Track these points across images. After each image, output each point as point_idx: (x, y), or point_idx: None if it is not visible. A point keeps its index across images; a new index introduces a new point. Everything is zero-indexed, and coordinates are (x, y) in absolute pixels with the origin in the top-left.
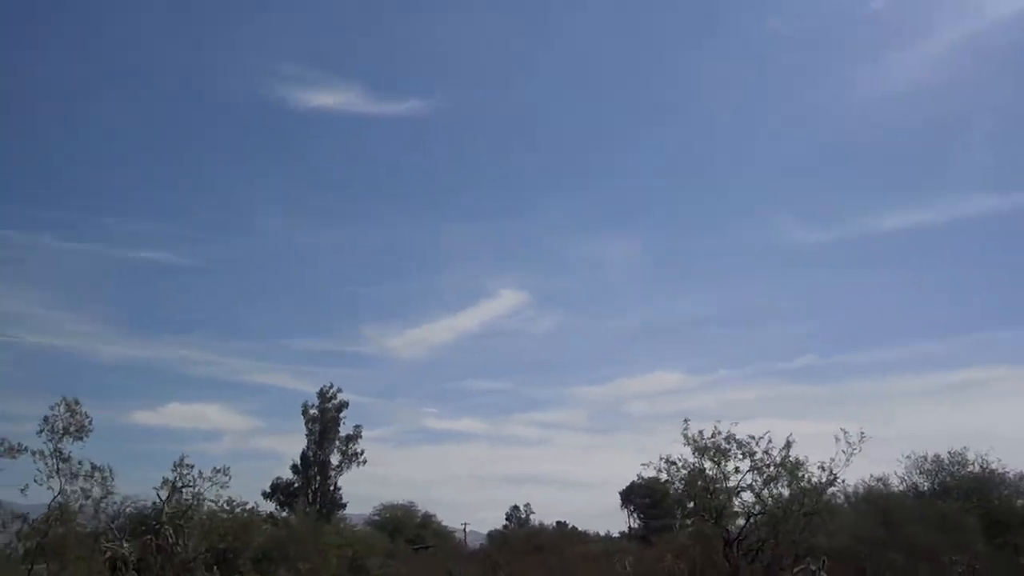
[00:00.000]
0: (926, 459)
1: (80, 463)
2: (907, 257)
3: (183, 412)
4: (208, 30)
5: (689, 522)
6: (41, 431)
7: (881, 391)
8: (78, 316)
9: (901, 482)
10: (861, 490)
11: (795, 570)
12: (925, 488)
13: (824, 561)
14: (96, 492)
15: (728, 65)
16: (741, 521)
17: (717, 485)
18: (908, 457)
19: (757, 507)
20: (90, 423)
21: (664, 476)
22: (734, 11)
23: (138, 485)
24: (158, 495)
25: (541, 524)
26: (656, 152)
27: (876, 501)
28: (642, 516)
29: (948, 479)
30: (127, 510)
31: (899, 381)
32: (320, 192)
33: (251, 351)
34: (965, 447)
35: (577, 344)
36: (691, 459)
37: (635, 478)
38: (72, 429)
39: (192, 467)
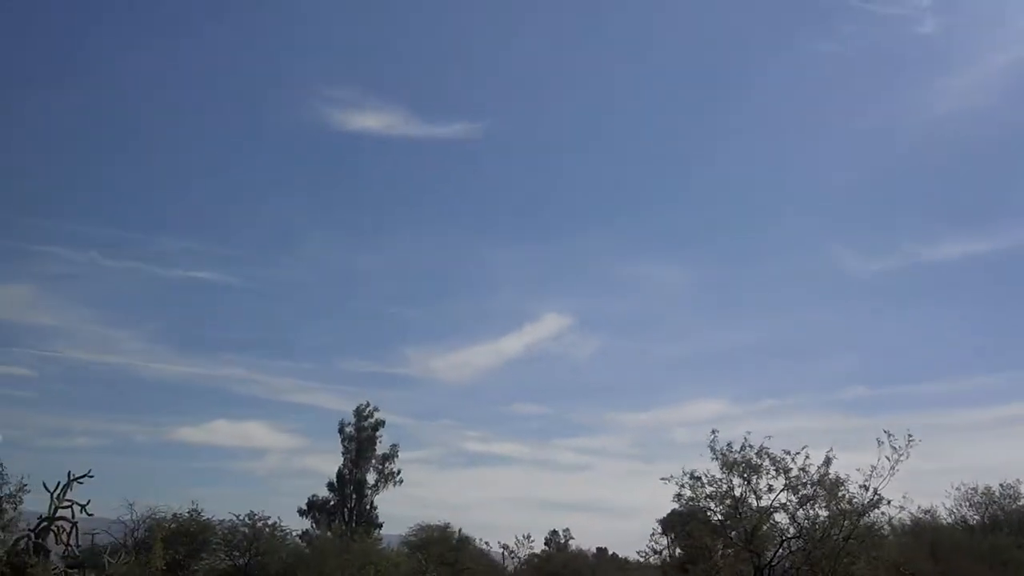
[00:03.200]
0: (976, 491)
1: None
2: (962, 286)
3: (228, 430)
4: (255, 53)
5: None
6: None
7: (933, 423)
8: (125, 333)
9: (949, 514)
10: (908, 521)
11: None
12: (974, 521)
13: None
14: None
15: (780, 89)
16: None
17: (747, 504)
18: (957, 489)
19: (791, 529)
20: None
21: (688, 493)
22: (785, 34)
23: (176, 500)
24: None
25: (580, 549)
26: (707, 178)
27: (923, 533)
28: (684, 544)
29: (999, 512)
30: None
31: (952, 414)
32: (365, 214)
33: (297, 371)
34: (1018, 480)
35: (621, 370)
36: (718, 475)
37: (675, 505)
38: None
39: None
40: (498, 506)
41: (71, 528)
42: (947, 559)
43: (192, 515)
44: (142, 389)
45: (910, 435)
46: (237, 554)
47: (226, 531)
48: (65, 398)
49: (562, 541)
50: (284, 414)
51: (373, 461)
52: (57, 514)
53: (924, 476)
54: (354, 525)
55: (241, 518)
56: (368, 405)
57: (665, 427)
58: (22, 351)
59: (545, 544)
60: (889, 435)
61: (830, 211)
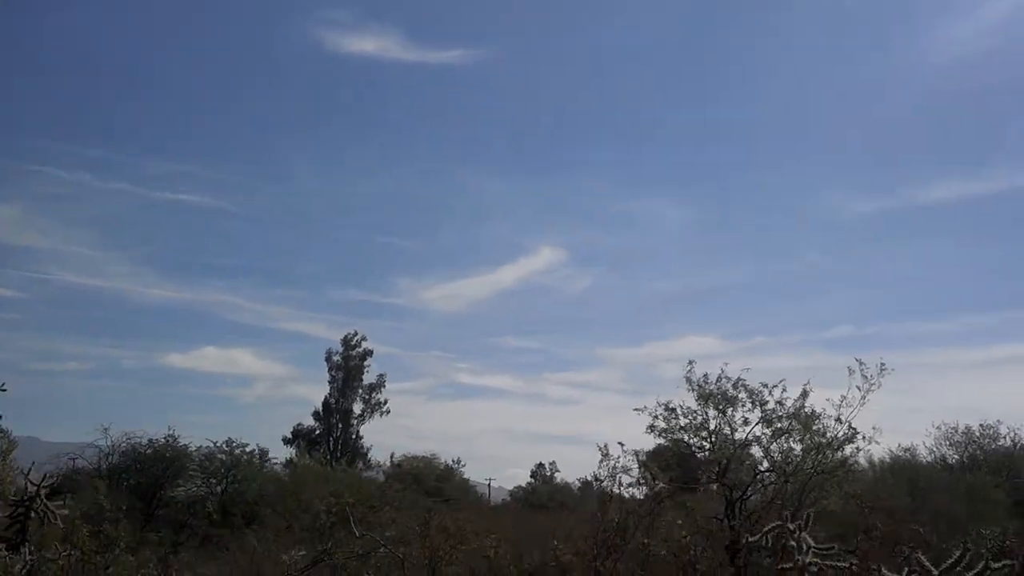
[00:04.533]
0: (956, 431)
1: None
2: (957, 228)
3: (217, 356)
4: None
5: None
6: None
7: (919, 363)
8: (115, 256)
9: (929, 453)
10: (887, 459)
11: (768, 527)
12: (953, 461)
13: (809, 516)
14: None
15: (783, 33)
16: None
17: (722, 436)
18: (938, 428)
19: (765, 463)
20: None
21: (661, 424)
22: None
23: (161, 426)
24: None
25: (565, 482)
26: (707, 117)
27: (902, 471)
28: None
29: (978, 452)
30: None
31: (939, 353)
32: (358, 140)
33: (287, 299)
34: (999, 420)
35: (614, 305)
36: (694, 406)
37: (661, 440)
38: None
39: None
40: (487, 438)
41: None
42: (924, 496)
43: (168, 440)
44: (132, 314)
45: (883, 363)
46: (214, 481)
47: (203, 458)
48: (54, 321)
49: (548, 474)
50: (273, 342)
51: (360, 391)
52: None
53: (908, 415)
54: (338, 454)
55: (219, 444)
56: (356, 334)
57: (655, 363)
58: (11, 272)
59: (531, 476)
60: (861, 364)
61: (828, 154)
